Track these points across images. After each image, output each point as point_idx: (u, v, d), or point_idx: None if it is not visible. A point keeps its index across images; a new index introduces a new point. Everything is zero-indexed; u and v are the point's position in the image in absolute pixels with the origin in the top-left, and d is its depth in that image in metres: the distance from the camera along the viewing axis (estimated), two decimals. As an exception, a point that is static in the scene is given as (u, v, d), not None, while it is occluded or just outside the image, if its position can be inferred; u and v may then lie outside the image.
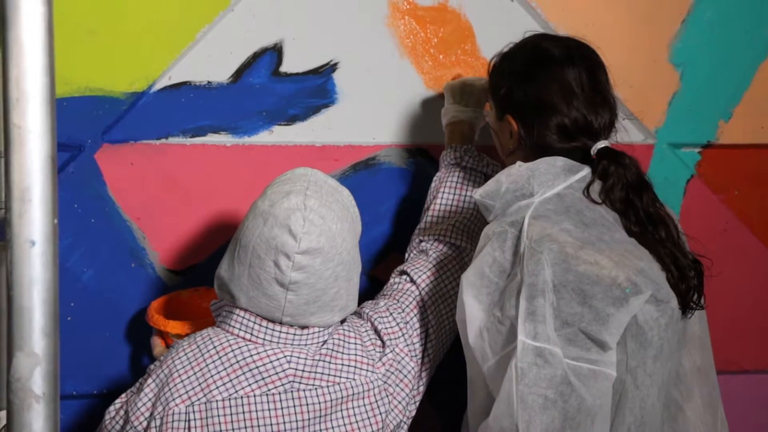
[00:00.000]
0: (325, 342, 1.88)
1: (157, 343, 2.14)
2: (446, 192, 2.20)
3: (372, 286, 2.42)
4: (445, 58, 2.40)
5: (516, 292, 1.76)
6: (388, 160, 2.41)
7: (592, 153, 1.89)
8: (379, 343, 1.95)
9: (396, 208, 2.43)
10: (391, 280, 2.10)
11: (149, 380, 1.81)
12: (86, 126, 2.24)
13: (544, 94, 1.90)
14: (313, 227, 1.77)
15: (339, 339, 1.90)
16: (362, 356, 1.90)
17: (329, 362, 1.86)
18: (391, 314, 1.98)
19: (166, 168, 2.30)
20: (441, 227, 2.15)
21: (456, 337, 1.99)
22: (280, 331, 1.83)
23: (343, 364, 1.87)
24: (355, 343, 1.91)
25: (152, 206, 2.30)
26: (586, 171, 1.88)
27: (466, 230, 2.14)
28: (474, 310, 1.83)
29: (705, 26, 2.51)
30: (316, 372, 1.84)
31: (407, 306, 2.01)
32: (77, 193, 2.26)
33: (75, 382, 2.30)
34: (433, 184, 2.24)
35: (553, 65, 1.91)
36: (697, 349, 1.92)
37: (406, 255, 2.18)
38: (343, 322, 1.95)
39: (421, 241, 2.16)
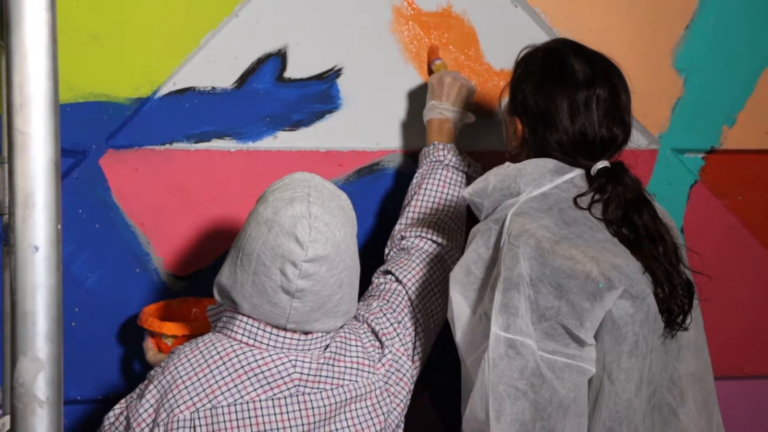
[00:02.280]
0: (327, 346, 1.88)
1: (150, 347, 2.14)
2: (428, 189, 2.20)
3: (376, 292, 2.42)
4: (449, 63, 2.40)
5: (493, 287, 1.78)
6: (392, 165, 2.42)
7: (591, 173, 1.90)
8: (377, 344, 1.96)
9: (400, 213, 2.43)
10: (376, 281, 2.11)
11: (151, 387, 1.80)
12: (91, 131, 2.25)
13: (553, 111, 1.92)
14: (319, 235, 1.77)
15: (341, 342, 1.90)
16: (363, 358, 1.91)
17: (333, 365, 1.86)
18: (384, 315, 2.00)
19: (170, 173, 2.30)
20: (422, 225, 2.16)
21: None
22: (284, 337, 1.82)
23: (346, 367, 1.87)
24: (356, 346, 1.92)
25: (156, 211, 2.31)
26: (575, 173, 1.90)
27: (447, 228, 2.16)
28: (461, 307, 1.87)
29: (709, 32, 2.51)
30: (320, 375, 1.84)
31: (398, 306, 2.03)
32: (81, 199, 2.26)
33: (79, 388, 2.30)
34: (414, 180, 2.24)
35: (570, 86, 1.92)
36: (692, 354, 1.93)
37: (386, 251, 2.19)
38: (343, 325, 1.95)
39: (402, 238, 2.17)
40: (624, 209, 1.87)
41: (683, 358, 1.91)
